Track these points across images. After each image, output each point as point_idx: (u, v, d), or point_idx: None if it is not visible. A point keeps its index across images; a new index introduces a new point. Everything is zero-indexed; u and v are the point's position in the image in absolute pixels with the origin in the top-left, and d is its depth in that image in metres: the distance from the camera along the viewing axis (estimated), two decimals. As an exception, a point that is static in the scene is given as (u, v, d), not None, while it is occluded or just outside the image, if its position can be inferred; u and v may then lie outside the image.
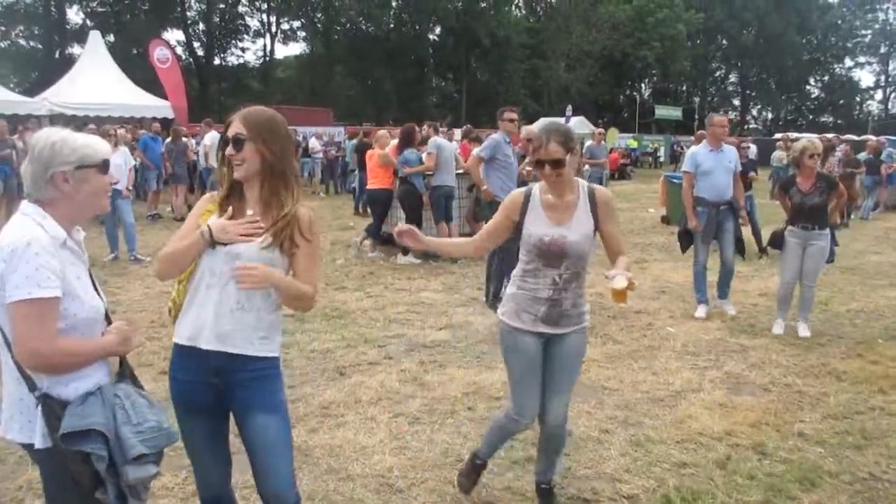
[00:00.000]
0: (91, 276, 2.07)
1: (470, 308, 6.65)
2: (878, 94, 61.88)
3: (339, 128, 25.62)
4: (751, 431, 3.95)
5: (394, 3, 46.51)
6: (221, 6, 44.92)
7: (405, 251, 8.82)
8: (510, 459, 3.57)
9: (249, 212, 2.18)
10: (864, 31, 58.94)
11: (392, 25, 47.71)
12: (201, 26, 45.65)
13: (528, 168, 7.70)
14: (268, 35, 46.68)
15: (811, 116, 60.41)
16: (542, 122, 28.41)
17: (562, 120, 26.35)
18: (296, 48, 70.47)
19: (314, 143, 18.79)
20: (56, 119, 15.68)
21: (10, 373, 1.89)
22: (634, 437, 3.85)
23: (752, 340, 5.72)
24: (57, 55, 38.55)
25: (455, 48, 46.54)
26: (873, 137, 19.21)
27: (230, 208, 2.21)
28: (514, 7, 50.86)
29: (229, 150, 2.16)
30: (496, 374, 4.78)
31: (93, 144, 1.98)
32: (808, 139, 6.01)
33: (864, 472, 3.50)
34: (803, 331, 5.83)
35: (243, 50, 48.26)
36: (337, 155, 18.63)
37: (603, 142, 14.54)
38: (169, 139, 13.53)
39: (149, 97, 19.52)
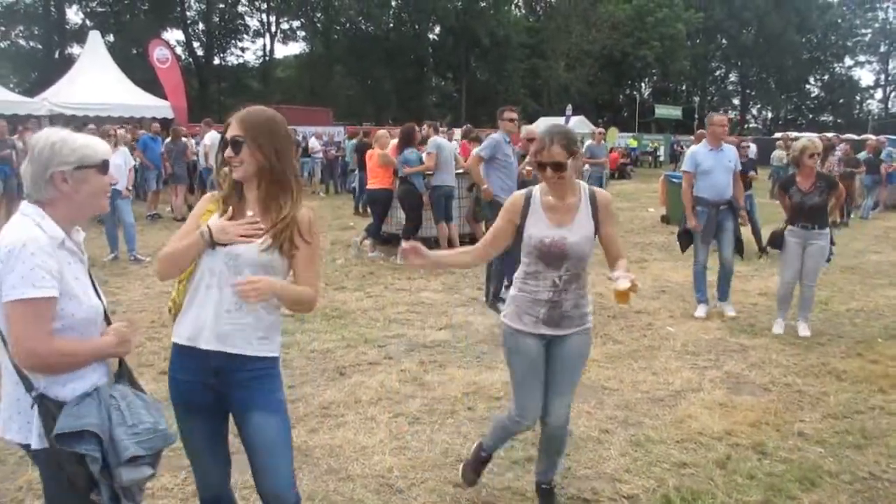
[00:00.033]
0: (91, 276, 2.07)
1: (470, 308, 6.65)
2: (878, 94, 62.02)
3: (338, 127, 25.63)
4: (751, 431, 3.95)
5: (393, 3, 46.55)
6: (221, 6, 44.94)
7: (405, 251, 8.81)
8: (510, 459, 3.57)
9: (249, 213, 2.18)
10: (863, 30, 58.96)
11: (391, 25, 47.74)
12: (201, 26, 45.70)
13: (528, 168, 7.71)
14: (267, 35, 46.78)
15: (811, 116, 60.43)
16: (541, 121, 28.49)
17: (562, 119, 26.38)
18: (295, 48, 70.58)
19: (314, 143, 18.78)
20: (56, 119, 15.68)
21: (9, 373, 1.89)
22: (634, 437, 3.85)
23: (751, 340, 5.72)
24: (56, 55, 38.58)
25: (455, 48, 46.56)
26: (873, 137, 19.23)
27: (230, 209, 2.20)
28: (513, 6, 50.86)
29: (228, 152, 2.16)
30: (496, 374, 4.78)
31: (92, 145, 1.98)
32: (808, 138, 6.01)
33: (864, 472, 3.50)
34: (803, 330, 5.83)
35: (243, 50, 48.54)
36: (337, 155, 18.62)
37: (603, 141, 14.54)
38: (168, 139, 13.52)
39: (148, 97, 19.52)
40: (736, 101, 61.93)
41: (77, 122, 14.93)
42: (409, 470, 3.46)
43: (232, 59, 47.76)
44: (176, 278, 2.23)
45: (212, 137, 12.77)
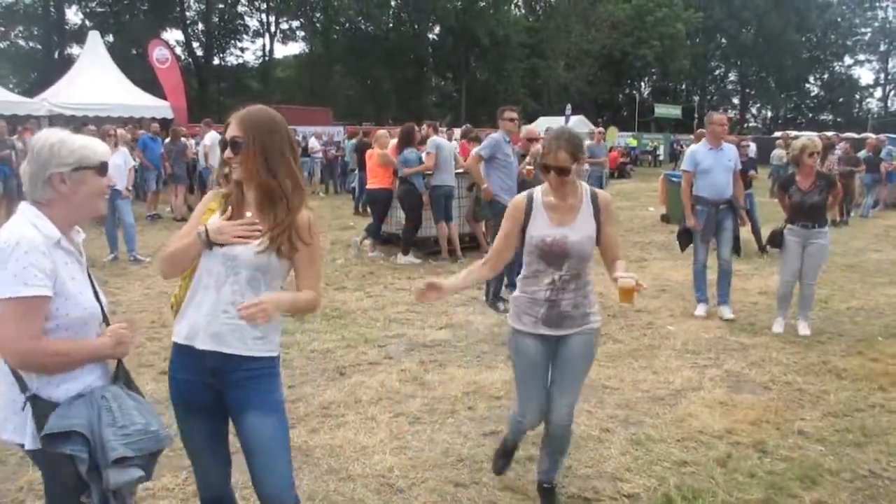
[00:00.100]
0: (91, 277, 2.07)
1: (470, 307, 6.64)
2: (878, 92, 62.05)
3: (338, 127, 25.64)
4: (751, 429, 3.95)
5: (393, 3, 46.54)
6: (220, 6, 44.93)
7: (405, 251, 8.82)
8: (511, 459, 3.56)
9: (248, 213, 2.17)
10: (863, 29, 58.98)
11: (391, 25, 47.74)
12: (200, 26, 45.70)
13: (529, 167, 7.70)
14: (267, 35, 46.78)
15: (811, 114, 60.45)
16: (541, 121, 28.48)
17: (561, 119, 26.38)
18: (295, 48, 70.63)
19: (313, 143, 18.79)
20: (55, 119, 15.69)
21: (4, 374, 1.90)
22: (635, 436, 3.85)
23: (752, 339, 5.72)
24: (56, 55, 38.58)
25: (454, 47, 46.55)
26: (873, 135, 19.21)
27: (230, 209, 2.19)
28: (513, 6, 50.85)
29: (227, 152, 2.15)
30: (496, 374, 4.79)
31: (91, 146, 1.98)
32: (808, 137, 6.01)
33: (865, 470, 3.50)
34: (803, 329, 5.83)
35: (242, 50, 48.53)
36: (336, 154, 18.62)
37: (603, 141, 14.54)
38: (168, 139, 13.52)
39: (148, 97, 19.52)
40: (735, 101, 61.94)
41: (76, 123, 14.95)
42: (410, 469, 3.45)
43: (231, 60, 47.88)
44: (180, 276, 2.23)
45: (211, 138, 12.78)
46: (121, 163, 8.58)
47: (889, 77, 60.24)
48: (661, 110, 45.17)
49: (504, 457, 3.32)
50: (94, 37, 20.91)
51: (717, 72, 61.61)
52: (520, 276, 2.97)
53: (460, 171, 9.01)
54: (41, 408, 1.86)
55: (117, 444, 1.84)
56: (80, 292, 1.95)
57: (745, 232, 7.84)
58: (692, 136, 20.08)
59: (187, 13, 44.44)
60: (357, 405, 4.26)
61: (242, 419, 2.19)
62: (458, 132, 15.61)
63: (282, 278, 2.25)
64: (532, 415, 2.98)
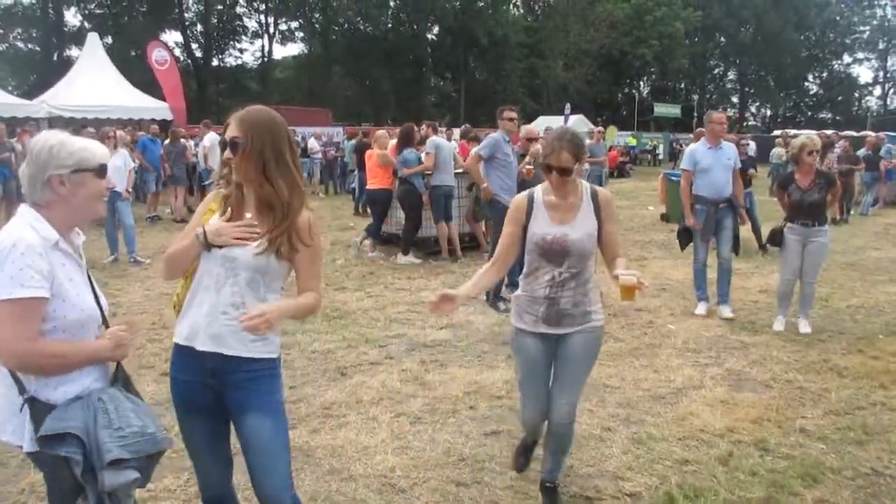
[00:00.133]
0: (91, 279, 2.07)
1: (470, 307, 6.64)
2: (877, 90, 62.04)
3: (337, 128, 25.65)
4: (752, 428, 3.95)
5: (392, 3, 46.54)
6: (219, 7, 44.89)
7: (405, 251, 8.82)
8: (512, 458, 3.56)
9: (248, 214, 2.16)
10: (862, 28, 58.95)
11: (390, 25, 47.73)
12: (199, 27, 45.70)
13: (528, 167, 7.70)
14: (266, 36, 46.77)
15: (810, 113, 60.45)
16: (540, 121, 28.47)
17: (560, 119, 26.37)
18: (294, 49, 70.66)
19: (313, 144, 18.79)
20: (55, 122, 15.69)
21: (3, 376, 1.90)
22: (636, 435, 3.85)
23: (752, 337, 5.72)
24: (55, 57, 38.56)
25: (453, 47, 46.55)
26: (872, 133, 19.21)
27: (228, 210, 2.19)
28: (511, 6, 50.85)
29: (227, 153, 2.15)
30: (497, 373, 4.79)
31: (90, 148, 1.98)
32: (807, 136, 6.01)
33: (867, 468, 3.50)
34: (804, 327, 5.83)
35: (241, 51, 48.22)
36: (336, 155, 18.62)
37: (602, 140, 14.55)
38: (167, 141, 13.52)
39: (147, 99, 19.52)
40: (735, 99, 61.95)
41: (76, 125, 14.92)
42: (412, 469, 3.45)
43: (230, 61, 47.82)
44: (182, 277, 2.23)
45: (211, 139, 12.77)
46: (120, 164, 8.58)
47: (888, 75, 60.29)
48: (661, 109, 45.18)
49: (524, 454, 3.35)
50: (92, 38, 20.91)
51: (716, 71, 61.61)
52: (521, 275, 2.99)
53: (460, 170, 9.02)
54: (39, 410, 1.86)
55: (113, 445, 1.83)
56: (78, 294, 1.94)
57: (745, 230, 7.84)
58: (691, 136, 20.10)
59: (186, 14, 44.46)
60: (358, 405, 4.26)
61: (242, 420, 2.18)
62: (457, 132, 15.61)
63: (282, 279, 2.24)
64: (534, 413, 3.00)
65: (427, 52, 48.35)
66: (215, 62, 46.21)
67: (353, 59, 44.33)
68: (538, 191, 2.93)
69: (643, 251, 9.81)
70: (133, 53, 33.41)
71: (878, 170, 14.72)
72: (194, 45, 45.20)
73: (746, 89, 61.30)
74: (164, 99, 19.54)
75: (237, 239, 2.10)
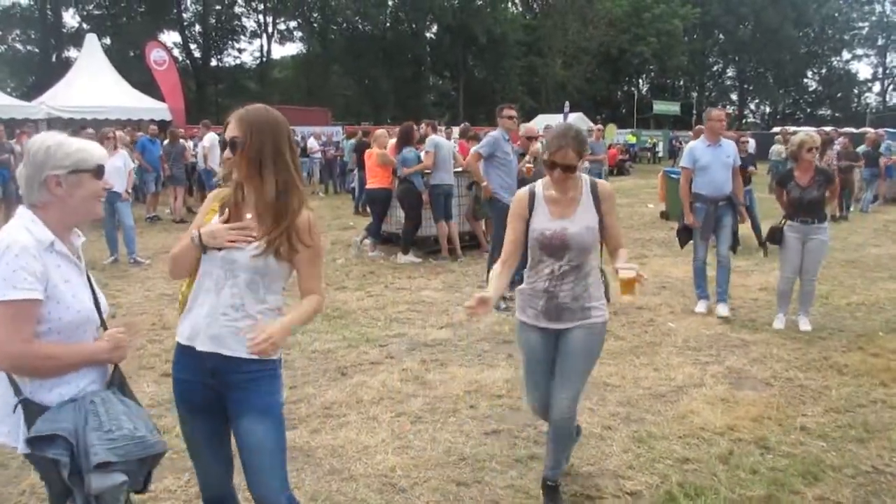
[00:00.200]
0: (90, 280, 2.06)
1: (470, 306, 6.63)
2: (876, 87, 62.06)
3: (336, 127, 25.64)
4: (753, 426, 3.95)
5: (390, 2, 46.50)
6: (217, 7, 44.87)
7: (405, 250, 8.82)
8: (513, 457, 3.57)
9: (248, 215, 2.15)
10: (861, 24, 58.94)
11: (388, 24, 47.69)
12: (197, 28, 45.64)
13: (529, 165, 7.70)
14: (264, 35, 46.77)
15: (809, 110, 60.44)
16: (540, 119, 28.45)
17: (559, 117, 26.37)
18: (292, 48, 70.62)
19: (312, 143, 18.79)
20: (53, 123, 15.68)
21: (1, 377, 1.89)
22: (637, 434, 3.85)
23: (753, 335, 5.72)
24: (53, 59, 38.55)
25: (452, 46, 46.51)
26: (872, 130, 19.21)
27: (227, 210, 2.18)
28: (510, 4, 50.81)
29: (226, 152, 2.15)
30: (498, 373, 4.79)
31: (88, 149, 1.97)
32: (806, 133, 6.00)
33: (867, 466, 3.50)
34: (804, 325, 5.83)
35: (240, 51, 48.18)
36: (335, 155, 18.63)
37: (602, 138, 14.55)
38: (166, 141, 13.51)
39: (146, 99, 19.51)
40: (734, 96, 61.95)
41: (75, 126, 14.91)
42: (412, 469, 3.45)
43: (229, 61, 47.79)
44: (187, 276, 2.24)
45: (210, 139, 12.77)
46: (120, 165, 8.58)
47: (887, 71, 60.28)
48: (660, 107, 45.19)
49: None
50: (91, 40, 20.89)
51: (714, 68, 61.59)
52: (525, 269, 3.04)
53: (459, 169, 9.01)
54: (32, 411, 1.85)
55: (100, 448, 1.81)
56: (74, 296, 1.93)
57: (745, 228, 7.83)
58: (691, 133, 20.09)
59: (184, 15, 44.42)
60: (359, 405, 4.26)
61: (240, 421, 2.18)
62: (456, 131, 15.60)
63: (283, 280, 2.23)
64: (535, 404, 3.10)
65: (426, 50, 48.32)
66: (214, 62, 46.21)
67: (351, 58, 44.31)
68: (539, 186, 2.98)
69: (643, 249, 9.81)
70: (132, 54, 33.40)
71: (878, 166, 14.73)
72: (193, 46, 45.20)
73: (745, 86, 61.30)
74: (162, 99, 19.53)
75: (231, 241, 2.09)
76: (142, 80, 21.50)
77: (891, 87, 61.01)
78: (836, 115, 56.00)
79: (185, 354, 2.19)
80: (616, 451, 3.65)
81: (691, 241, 6.44)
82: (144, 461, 1.94)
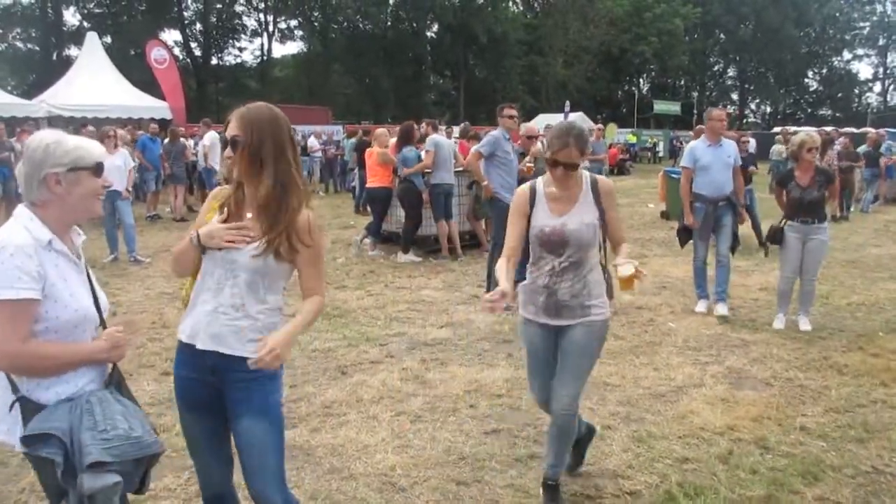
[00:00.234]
0: (90, 279, 2.06)
1: (471, 306, 6.64)
2: (877, 87, 62.01)
3: (337, 126, 25.62)
4: (753, 426, 3.95)
5: (391, 1, 46.44)
6: (218, 6, 44.83)
7: (405, 249, 8.82)
8: (513, 457, 3.57)
9: (249, 215, 2.15)
10: (861, 24, 58.87)
11: (389, 23, 47.65)
12: (198, 26, 45.62)
13: (529, 164, 7.70)
14: (265, 34, 46.73)
15: (810, 110, 60.40)
16: (540, 118, 28.44)
17: (560, 116, 26.36)
18: (293, 47, 70.35)
19: (313, 142, 18.77)
20: (54, 121, 15.68)
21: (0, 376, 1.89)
22: (636, 433, 3.85)
23: (753, 335, 5.72)
24: (54, 57, 38.53)
25: (452, 45, 46.46)
26: (872, 130, 19.20)
27: (226, 210, 2.17)
28: (510, 3, 50.77)
29: (227, 151, 2.14)
30: (497, 372, 4.79)
31: (86, 147, 1.96)
32: (807, 133, 6.00)
33: (867, 466, 3.50)
34: (804, 325, 5.83)
35: (240, 49, 48.22)
36: (336, 154, 18.62)
37: (602, 137, 14.55)
38: (167, 140, 13.51)
39: (146, 98, 19.50)
40: (734, 96, 61.89)
41: (75, 124, 14.94)
42: (412, 468, 3.45)
43: (230, 59, 47.76)
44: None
45: (211, 138, 12.77)
46: (121, 164, 8.57)
47: (888, 71, 60.19)
48: (660, 107, 45.16)
49: (573, 448, 3.34)
50: (92, 38, 20.87)
51: (715, 67, 61.54)
52: (528, 264, 3.07)
53: (460, 169, 9.01)
54: (29, 410, 1.85)
55: (93, 448, 1.79)
56: (72, 295, 1.92)
57: (746, 228, 7.82)
58: (691, 133, 20.08)
59: (185, 13, 44.40)
60: (359, 404, 4.26)
61: (239, 420, 2.18)
62: (456, 130, 15.60)
63: (284, 279, 2.23)
64: (537, 398, 3.15)
65: (426, 49, 48.29)
66: (214, 61, 46.17)
67: (352, 57, 44.29)
68: (540, 182, 3.00)
69: (643, 249, 9.80)
70: (132, 52, 33.36)
71: (879, 166, 14.72)
72: (193, 44, 45.18)
73: (746, 86, 61.24)
74: (163, 98, 19.52)
75: (229, 241, 2.09)
76: (142, 78, 21.49)
77: (891, 87, 61.02)
78: (837, 115, 55.97)
79: (186, 352, 2.19)
80: (616, 450, 3.65)
81: (691, 241, 6.44)
82: (140, 462, 1.91)
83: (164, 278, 7.76)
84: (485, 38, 43.82)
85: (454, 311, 6.42)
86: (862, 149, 14.87)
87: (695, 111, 44.73)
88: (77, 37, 35.76)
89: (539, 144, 8.52)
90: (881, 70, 60.45)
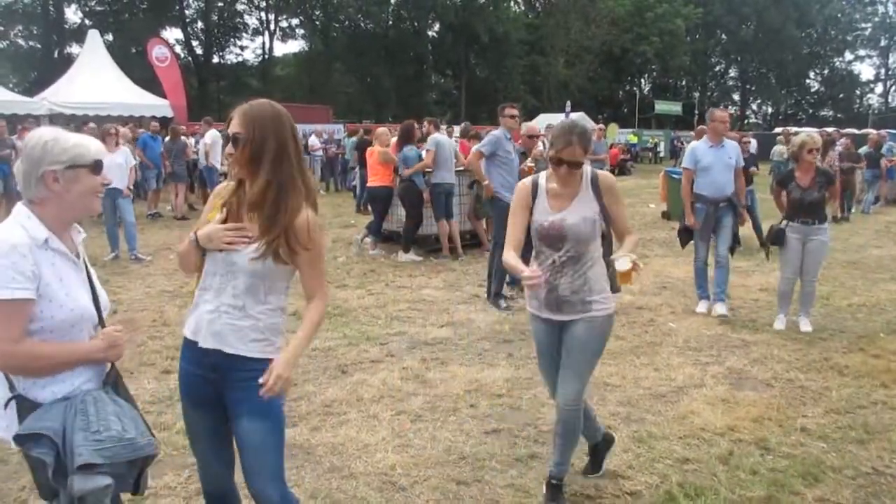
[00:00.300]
0: (90, 277, 2.04)
1: (471, 305, 6.64)
2: (879, 88, 62.01)
3: (338, 125, 25.62)
4: (753, 427, 3.95)
5: (392, 0, 46.44)
6: (220, 4, 44.86)
7: (406, 248, 8.82)
8: (513, 456, 3.57)
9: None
10: (863, 25, 58.89)
11: (391, 22, 47.64)
12: (200, 25, 45.65)
13: (530, 164, 7.70)
14: (266, 33, 46.74)
15: (811, 110, 60.41)
16: (541, 118, 28.44)
17: (561, 116, 26.35)
18: (294, 46, 70.48)
19: (314, 141, 18.78)
20: (55, 119, 15.71)
21: None
22: (637, 434, 3.84)
23: (753, 336, 5.72)
24: (56, 55, 38.55)
25: (454, 44, 46.47)
26: (874, 131, 19.18)
27: (225, 210, 2.16)
28: (512, 3, 50.77)
29: (229, 148, 2.14)
30: (498, 372, 4.79)
31: (85, 144, 1.95)
32: (807, 134, 5.99)
33: (867, 467, 3.49)
34: (805, 325, 5.83)
35: (242, 48, 48.47)
36: (337, 153, 18.63)
37: (603, 137, 14.54)
38: (168, 138, 13.51)
39: (148, 96, 19.52)
40: (736, 97, 61.87)
41: (77, 122, 14.95)
42: (412, 467, 3.45)
43: (231, 58, 47.80)
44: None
45: (212, 136, 12.76)
46: (122, 162, 8.56)
47: (889, 72, 60.16)
48: (662, 107, 45.14)
49: (591, 455, 3.41)
50: (93, 36, 20.89)
51: (717, 68, 61.54)
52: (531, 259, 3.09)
53: (460, 168, 9.01)
54: (25, 408, 1.84)
55: (84, 449, 1.77)
56: (68, 294, 1.90)
57: (746, 228, 7.82)
58: (692, 133, 20.06)
59: (186, 12, 44.41)
60: (359, 403, 4.26)
61: (239, 420, 2.18)
62: (457, 129, 15.59)
63: (286, 280, 2.21)
64: (551, 394, 3.18)
65: (428, 49, 48.29)
66: (216, 59, 46.19)
67: (353, 56, 44.29)
68: (542, 177, 3.03)
69: (644, 249, 9.78)
70: (134, 50, 33.37)
71: (880, 167, 14.71)
72: (195, 43, 45.22)
73: (748, 86, 61.23)
74: (164, 96, 19.53)
75: (228, 243, 2.08)
76: (144, 76, 21.51)
77: (893, 88, 60.99)
78: (839, 115, 55.98)
79: (190, 348, 2.20)
80: (616, 450, 3.64)
81: (692, 242, 6.44)
82: (134, 463, 1.89)
83: (165, 276, 7.76)
84: (486, 38, 43.81)
85: (455, 311, 6.42)
86: (863, 150, 14.86)
87: (696, 111, 44.69)
88: (78, 34, 35.81)
89: (540, 144, 8.52)
90: (883, 71, 60.47)
